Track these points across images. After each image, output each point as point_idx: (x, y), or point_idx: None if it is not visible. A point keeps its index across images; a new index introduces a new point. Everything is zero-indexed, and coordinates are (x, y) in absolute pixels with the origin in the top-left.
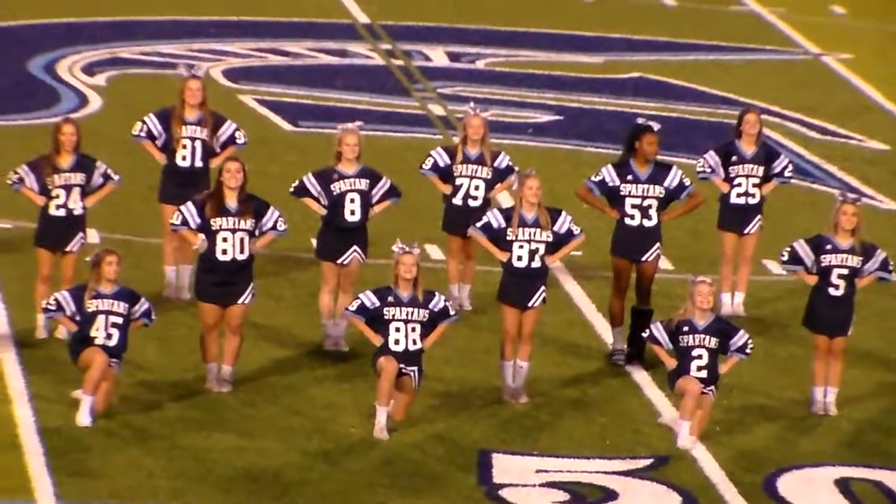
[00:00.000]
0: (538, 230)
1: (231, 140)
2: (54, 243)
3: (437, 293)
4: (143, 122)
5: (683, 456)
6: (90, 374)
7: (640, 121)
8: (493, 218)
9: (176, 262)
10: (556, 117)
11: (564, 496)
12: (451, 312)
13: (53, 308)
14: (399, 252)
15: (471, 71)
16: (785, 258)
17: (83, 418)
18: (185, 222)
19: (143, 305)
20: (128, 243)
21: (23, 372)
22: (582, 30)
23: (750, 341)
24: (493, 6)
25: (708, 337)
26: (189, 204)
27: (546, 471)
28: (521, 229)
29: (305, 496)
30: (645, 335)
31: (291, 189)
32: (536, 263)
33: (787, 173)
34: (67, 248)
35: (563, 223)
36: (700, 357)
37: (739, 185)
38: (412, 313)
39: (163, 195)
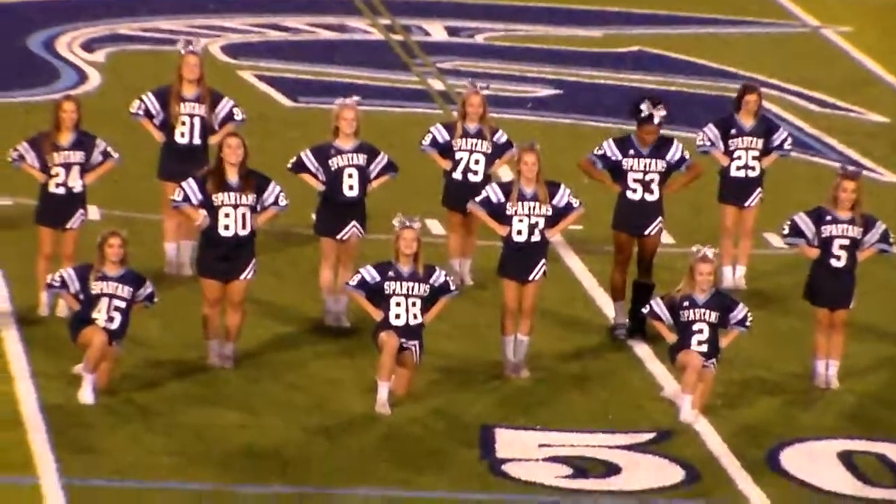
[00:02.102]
0: (537, 204)
1: (229, 117)
2: (55, 220)
3: (437, 268)
4: (141, 101)
5: (686, 430)
6: (89, 353)
7: (643, 106)
8: (492, 192)
9: (177, 238)
10: (556, 91)
11: (567, 470)
12: (452, 287)
13: (58, 284)
14: (400, 227)
15: (470, 45)
16: (786, 231)
17: (85, 396)
18: (186, 198)
19: (147, 289)
20: (128, 220)
21: (24, 349)
22: (581, 3)
23: (750, 314)
24: None
25: (708, 311)
26: (190, 180)
27: (549, 445)
28: (520, 203)
29: (306, 472)
30: (645, 311)
31: (289, 165)
32: (536, 237)
33: (786, 146)
34: (68, 225)
35: (562, 197)
36: (700, 331)
37: (739, 158)
38: (413, 288)
39: (162, 172)
